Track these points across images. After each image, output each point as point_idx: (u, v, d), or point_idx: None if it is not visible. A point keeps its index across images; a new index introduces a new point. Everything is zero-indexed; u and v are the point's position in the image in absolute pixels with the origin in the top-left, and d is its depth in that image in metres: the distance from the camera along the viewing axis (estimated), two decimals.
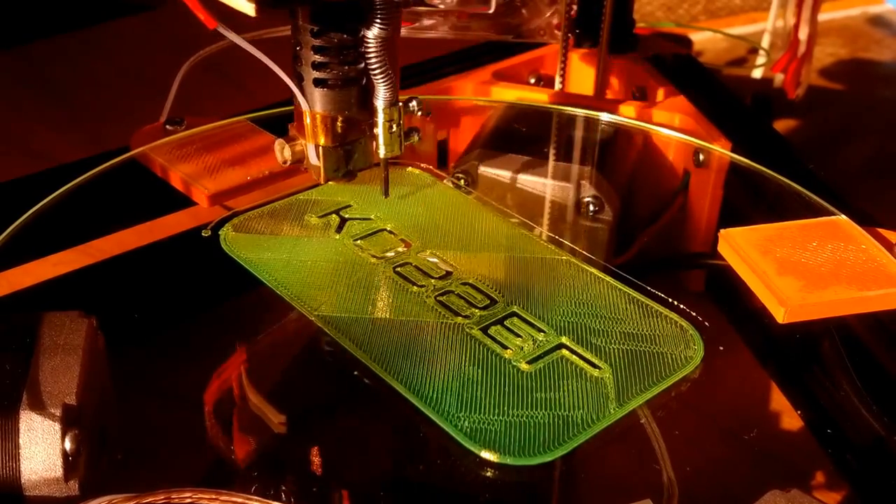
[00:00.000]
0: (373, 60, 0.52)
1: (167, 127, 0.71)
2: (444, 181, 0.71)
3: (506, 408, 0.49)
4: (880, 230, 0.60)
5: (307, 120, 0.53)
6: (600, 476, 0.53)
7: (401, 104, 0.54)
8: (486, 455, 0.46)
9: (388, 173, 0.58)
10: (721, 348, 0.54)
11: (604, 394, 0.50)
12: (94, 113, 1.13)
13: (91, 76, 1.24)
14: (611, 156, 0.74)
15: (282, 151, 0.56)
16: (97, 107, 1.15)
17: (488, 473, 0.47)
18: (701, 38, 1.44)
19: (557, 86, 0.87)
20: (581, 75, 0.89)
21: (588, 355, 0.52)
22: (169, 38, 1.33)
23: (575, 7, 0.85)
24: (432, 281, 0.58)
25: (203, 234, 0.63)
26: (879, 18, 1.61)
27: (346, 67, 0.52)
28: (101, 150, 0.71)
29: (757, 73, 1.27)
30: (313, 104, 0.53)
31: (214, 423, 0.55)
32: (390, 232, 0.63)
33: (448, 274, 0.59)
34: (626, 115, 0.79)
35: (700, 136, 0.76)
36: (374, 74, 0.52)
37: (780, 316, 0.54)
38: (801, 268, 0.56)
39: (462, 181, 0.71)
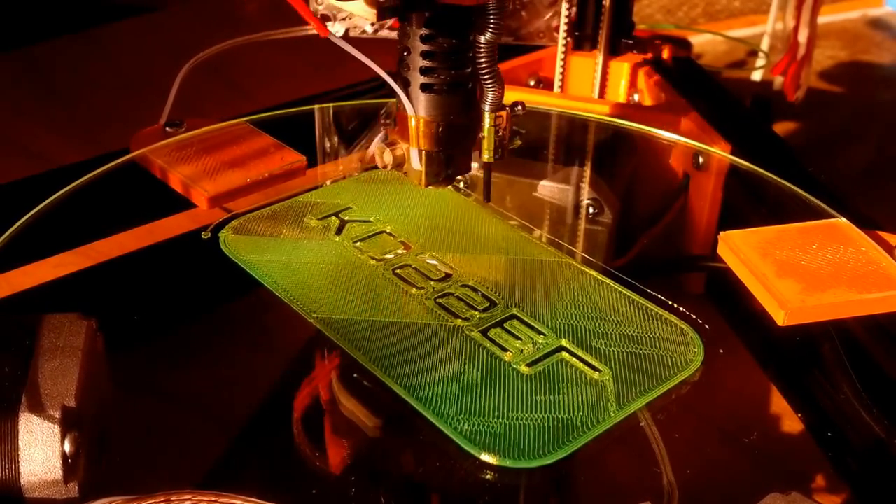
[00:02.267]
0: (483, 65, 0.52)
1: (167, 129, 0.71)
2: None
3: (505, 410, 0.49)
4: (880, 233, 0.60)
5: (411, 124, 0.54)
6: (600, 479, 0.53)
7: (507, 108, 0.54)
8: (486, 458, 0.46)
9: (489, 178, 0.58)
10: (721, 351, 0.54)
11: (604, 396, 0.50)
12: (93, 115, 1.13)
13: (91, 78, 1.24)
14: (610, 158, 0.74)
15: (382, 156, 0.56)
16: (97, 109, 1.15)
17: (488, 476, 0.47)
18: (700, 41, 1.44)
19: (557, 88, 0.87)
20: (580, 78, 0.89)
21: (588, 358, 0.52)
22: (169, 40, 1.33)
23: (574, 9, 0.86)
24: (432, 283, 0.58)
25: (203, 236, 0.63)
26: (879, 21, 1.61)
27: (454, 73, 0.52)
28: (101, 151, 0.71)
29: (756, 76, 1.27)
30: (418, 109, 0.53)
31: (212, 425, 0.55)
32: (390, 234, 0.63)
33: (447, 276, 0.59)
34: (626, 117, 0.79)
35: (699, 138, 0.76)
36: (484, 79, 0.53)
37: (780, 318, 0.54)
38: (801, 270, 0.56)
39: (462, 183, 0.71)
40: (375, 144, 0.56)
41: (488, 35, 0.51)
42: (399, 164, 0.56)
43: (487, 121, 0.54)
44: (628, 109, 0.80)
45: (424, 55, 0.52)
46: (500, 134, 0.55)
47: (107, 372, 0.51)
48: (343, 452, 0.53)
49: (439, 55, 0.52)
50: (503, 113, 0.55)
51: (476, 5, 0.51)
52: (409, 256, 0.61)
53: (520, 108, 0.56)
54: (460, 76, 0.53)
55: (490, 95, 0.54)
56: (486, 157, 0.56)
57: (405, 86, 0.54)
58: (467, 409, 0.49)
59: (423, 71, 0.52)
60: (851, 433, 0.58)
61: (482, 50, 0.52)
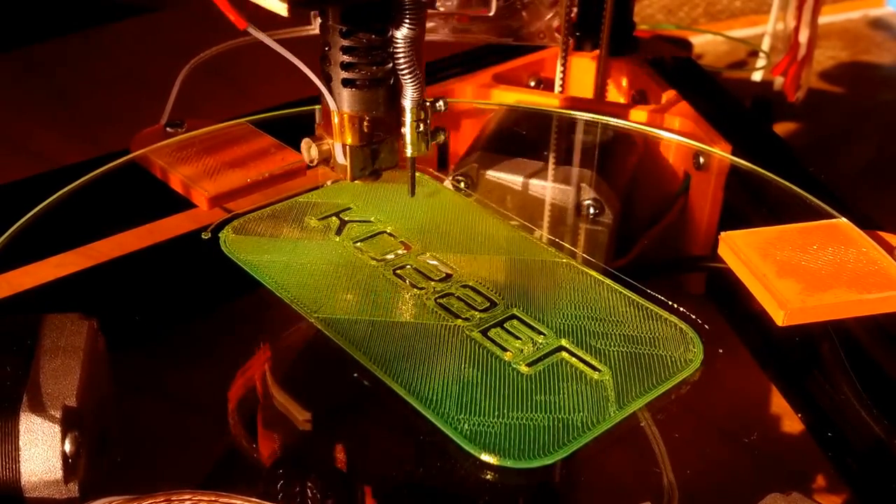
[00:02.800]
0: (401, 60, 0.52)
1: (167, 129, 0.71)
2: (445, 184, 0.71)
3: (506, 410, 0.49)
4: (880, 233, 0.60)
5: (335, 119, 0.54)
6: (600, 479, 0.53)
7: (428, 103, 0.55)
8: (486, 458, 0.46)
9: (414, 173, 0.59)
10: (721, 351, 0.54)
11: (604, 396, 0.50)
12: (94, 115, 1.13)
13: (91, 78, 1.24)
14: (611, 159, 0.74)
15: (308, 150, 0.56)
16: (98, 108, 1.15)
17: (488, 476, 0.47)
18: (701, 41, 1.44)
19: (557, 89, 0.87)
20: (581, 78, 0.89)
21: (588, 358, 0.52)
22: (169, 40, 1.33)
23: (575, 10, 0.86)
24: (432, 283, 0.58)
25: (203, 237, 0.63)
26: (880, 21, 1.61)
27: (375, 68, 0.52)
28: (102, 151, 0.71)
29: (757, 76, 1.27)
30: (341, 104, 0.53)
31: (213, 425, 0.56)
32: (390, 234, 0.63)
33: (448, 276, 0.59)
34: (627, 117, 0.79)
35: (700, 138, 0.76)
36: (402, 74, 0.53)
37: (780, 319, 0.54)
38: (802, 271, 0.56)
39: (462, 184, 0.71)
40: (304, 141, 0.56)
41: (404, 30, 0.51)
42: (325, 158, 0.56)
43: (408, 116, 0.54)
44: (629, 110, 0.80)
45: (344, 50, 0.52)
46: (421, 129, 0.55)
47: (108, 372, 0.51)
48: (343, 452, 0.53)
49: (359, 50, 0.52)
50: (425, 108, 0.55)
51: (390, 0, 0.51)
52: (410, 256, 0.61)
53: (441, 103, 0.56)
54: (381, 71, 0.53)
55: (409, 90, 0.54)
56: (409, 151, 0.56)
57: (328, 81, 0.54)
58: (467, 409, 0.49)
59: (344, 66, 0.52)
60: (851, 433, 0.58)
61: (399, 45, 0.52)
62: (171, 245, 0.72)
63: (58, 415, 0.44)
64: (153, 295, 0.67)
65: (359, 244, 0.62)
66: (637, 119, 0.79)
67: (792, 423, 0.59)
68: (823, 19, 1.18)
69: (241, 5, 0.48)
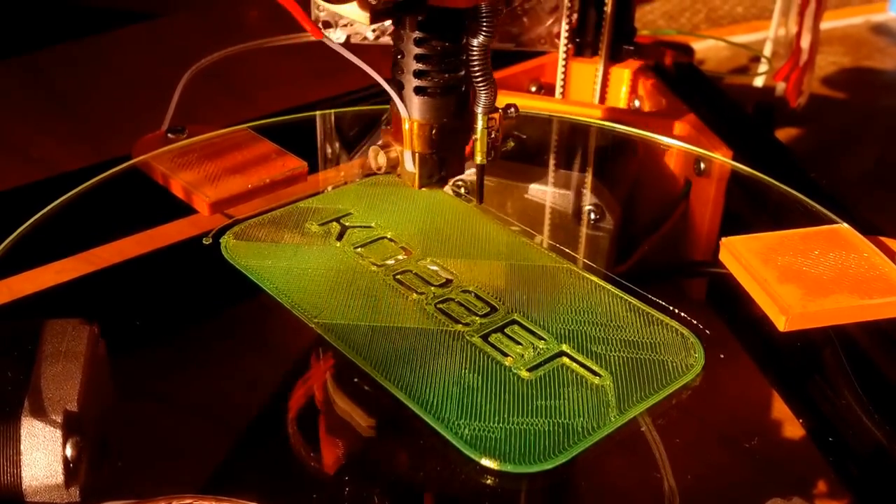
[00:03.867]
0: (476, 68, 0.53)
1: (169, 135, 0.71)
2: (445, 189, 0.71)
3: (506, 415, 0.49)
4: (882, 238, 0.60)
5: (405, 127, 0.54)
6: (601, 484, 0.53)
7: (500, 110, 0.55)
8: (487, 462, 0.46)
9: (482, 180, 0.59)
10: (722, 356, 0.54)
11: (604, 401, 0.50)
12: (96, 121, 1.13)
13: (93, 85, 1.24)
14: (611, 164, 0.74)
15: (376, 158, 0.56)
16: (99, 115, 1.15)
17: (488, 481, 0.47)
18: (703, 47, 1.44)
19: (558, 94, 0.87)
20: (582, 84, 0.89)
21: (588, 363, 0.52)
22: (171, 47, 1.33)
23: (576, 16, 0.86)
24: (432, 288, 0.58)
25: (204, 242, 0.63)
26: (882, 27, 1.61)
27: (447, 75, 0.53)
28: (103, 158, 0.71)
29: (759, 82, 1.27)
30: (412, 112, 0.54)
31: (214, 430, 0.56)
32: (391, 240, 0.63)
33: (448, 282, 0.59)
34: (627, 123, 0.79)
35: (701, 144, 0.76)
36: (477, 82, 0.53)
37: (782, 324, 0.54)
38: (803, 276, 0.56)
39: (462, 189, 0.71)
40: (372, 149, 0.57)
41: (481, 38, 0.52)
42: (393, 166, 0.56)
43: (480, 123, 0.55)
44: (629, 115, 0.81)
45: (418, 58, 0.52)
46: (493, 136, 0.55)
47: (108, 377, 0.51)
48: (343, 457, 0.53)
49: (432, 58, 0.52)
50: (496, 115, 0.55)
51: (468, 8, 0.51)
52: (410, 262, 0.61)
53: (512, 110, 0.56)
54: (453, 79, 0.53)
55: (483, 98, 0.54)
56: (478, 159, 0.56)
57: (399, 88, 0.54)
58: (468, 414, 0.49)
59: (417, 74, 0.53)
60: (852, 438, 0.58)
61: (475, 53, 0.52)
62: (173, 250, 0.72)
63: (59, 419, 0.44)
64: (154, 300, 0.67)
65: (359, 249, 0.62)
66: (638, 125, 0.79)
67: (793, 429, 0.59)
68: (825, 25, 1.18)
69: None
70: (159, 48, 1.35)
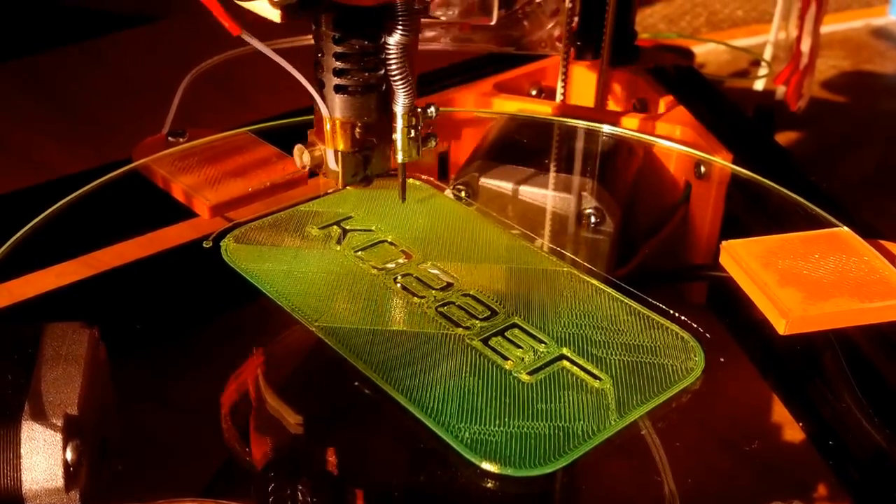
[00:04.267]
0: (393, 67, 0.52)
1: (169, 139, 0.71)
2: (445, 193, 0.71)
3: (506, 419, 0.49)
4: (882, 242, 0.60)
5: (327, 126, 0.54)
6: (601, 487, 0.53)
7: (419, 110, 0.55)
8: (487, 466, 0.46)
9: (405, 179, 0.59)
10: (722, 360, 0.54)
11: (605, 405, 0.50)
12: (96, 124, 1.13)
13: (93, 88, 1.24)
14: (612, 167, 0.74)
15: (301, 156, 0.56)
16: (99, 118, 1.15)
17: (489, 484, 0.47)
18: (703, 50, 1.44)
19: (559, 98, 0.87)
20: (582, 87, 0.89)
21: (589, 366, 0.52)
22: (171, 50, 1.33)
23: (576, 19, 0.86)
24: (433, 292, 0.58)
25: (204, 245, 0.63)
26: (882, 30, 1.61)
27: (367, 74, 0.53)
28: (104, 161, 0.71)
29: (759, 85, 1.27)
30: (333, 110, 0.54)
31: (214, 434, 0.56)
32: (391, 243, 0.63)
33: (449, 285, 0.59)
34: (628, 126, 0.79)
35: (701, 147, 0.76)
36: (394, 80, 0.53)
37: (782, 327, 0.54)
38: (803, 279, 0.56)
39: (463, 193, 0.71)
40: (297, 148, 0.57)
41: (397, 36, 0.52)
42: (317, 164, 0.56)
43: (400, 122, 0.55)
44: (630, 119, 0.80)
45: (337, 56, 0.52)
46: (412, 135, 0.55)
47: (109, 380, 0.51)
48: (343, 460, 0.53)
49: (351, 56, 0.52)
50: (416, 114, 0.55)
51: (381, 6, 0.51)
52: (411, 265, 0.61)
53: (432, 110, 0.56)
54: (373, 77, 0.53)
55: (401, 97, 0.54)
56: (400, 157, 0.56)
57: (321, 87, 0.54)
58: (468, 418, 0.49)
59: (337, 72, 0.53)
60: (853, 442, 0.58)
61: (391, 51, 0.52)
62: (173, 254, 0.72)
63: (59, 423, 0.44)
64: (154, 303, 0.67)
65: (360, 253, 0.62)
66: (638, 128, 0.79)
67: (793, 432, 0.59)
68: (825, 28, 1.18)
69: (239, 15, 0.48)
70: (160, 51, 1.35)
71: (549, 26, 0.86)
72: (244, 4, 0.48)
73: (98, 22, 1.43)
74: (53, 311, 0.66)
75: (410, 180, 0.70)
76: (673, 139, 0.78)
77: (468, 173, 0.72)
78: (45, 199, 0.63)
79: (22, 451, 0.43)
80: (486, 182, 0.71)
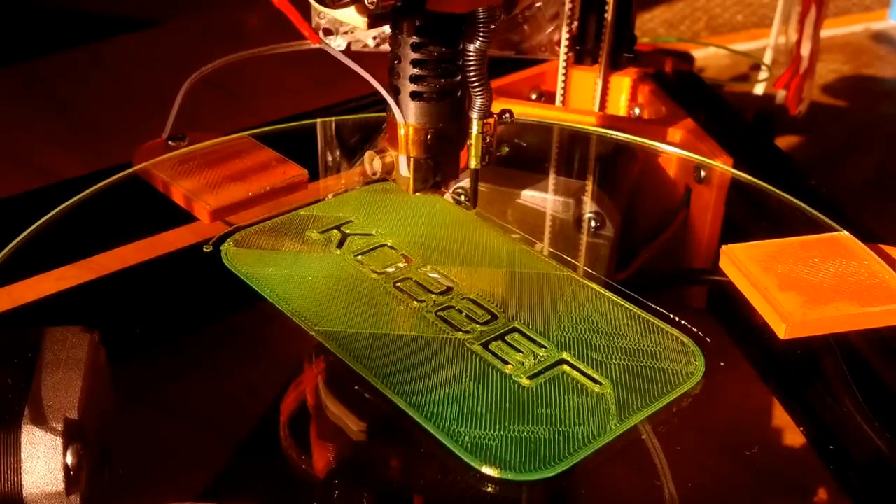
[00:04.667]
0: (472, 73, 0.53)
1: (169, 143, 0.71)
2: (445, 197, 0.71)
3: (507, 423, 0.49)
4: (882, 246, 0.60)
5: (401, 132, 0.54)
6: (601, 492, 0.53)
7: (495, 115, 0.55)
8: (487, 470, 0.46)
9: (476, 184, 0.59)
10: (722, 364, 0.54)
11: (605, 409, 0.50)
12: (96, 128, 1.13)
13: (94, 92, 1.24)
14: (612, 172, 0.74)
15: (371, 163, 0.57)
16: (100, 122, 1.15)
17: (489, 489, 0.47)
18: (703, 55, 1.44)
19: (558, 102, 0.87)
20: (582, 91, 0.89)
21: (589, 371, 0.52)
22: (171, 54, 1.33)
23: (576, 23, 0.86)
24: (433, 296, 0.58)
25: (204, 250, 0.63)
26: (882, 35, 1.61)
27: (443, 80, 0.53)
28: (104, 165, 0.71)
29: (759, 90, 1.27)
30: (408, 116, 0.54)
31: (214, 438, 0.56)
32: (391, 247, 0.63)
33: (449, 289, 0.59)
34: (627, 131, 0.79)
35: (701, 152, 0.76)
36: (472, 87, 0.54)
37: (782, 332, 0.54)
38: (803, 284, 0.56)
39: (463, 196, 0.71)
40: (367, 154, 0.57)
41: (478, 43, 0.52)
42: (388, 171, 0.57)
43: (475, 128, 0.55)
44: (630, 123, 0.81)
45: (414, 63, 0.53)
46: (488, 141, 0.56)
47: (109, 384, 0.51)
48: (343, 465, 0.53)
49: (429, 63, 0.53)
50: (490, 120, 0.55)
51: (465, 14, 0.51)
52: (411, 270, 0.61)
53: (507, 115, 0.56)
54: (449, 84, 0.53)
55: (478, 103, 0.54)
56: (473, 163, 0.56)
57: (395, 93, 0.54)
58: (468, 422, 0.49)
59: (413, 79, 0.53)
60: (853, 446, 0.58)
61: (471, 58, 0.53)
62: (173, 258, 0.72)
63: (59, 427, 0.44)
64: (154, 308, 0.67)
65: (360, 257, 0.62)
66: (638, 132, 0.79)
67: (794, 437, 0.59)
68: (825, 33, 1.18)
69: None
70: (160, 56, 1.35)
71: (549, 31, 0.86)
72: (329, 11, 0.48)
73: (98, 26, 1.43)
74: (54, 315, 0.66)
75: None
76: (673, 143, 0.78)
77: (468, 177, 0.72)
78: (46, 204, 0.63)
79: (22, 455, 0.43)
80: (487, 186, 0.71)
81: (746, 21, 1.65)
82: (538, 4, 0.86)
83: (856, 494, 0.57)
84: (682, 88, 0.91)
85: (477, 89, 0.54)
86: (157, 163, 0.68)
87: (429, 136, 0.54)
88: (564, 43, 0.86)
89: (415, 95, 0.53)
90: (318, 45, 0.52)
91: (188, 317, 0.68)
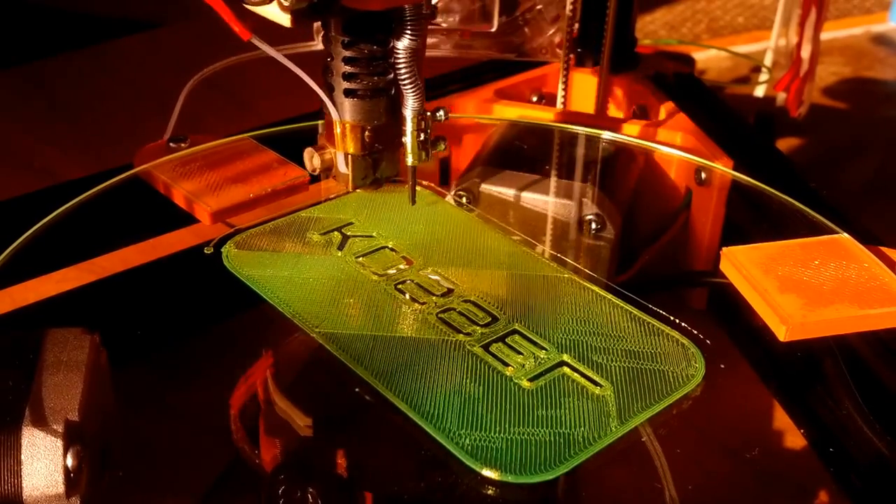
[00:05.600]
0: (402, 71, 0.53)
1: (170, 144, 0.71)
2: (446, 199, 0.71)
3: (507, 425, 0.49)
4: (882, 248, 0.60)
5: (337, 129, 0.55)
6: (602, 494, 0.53)
7: (428, 113, 0.55)
8: (488, 473, 0.46)
9: (415, 182, 0.59)
10: (723, 366, 0.54)
11: (605, 411, 0.50)
12: (97, 130, 1.13)
13: (95, 94, 1.24)
14: (612, 174, 0.74)
15: (311, 159, 0.57)
16: (101, 124, 1.15)
17: (489, 491, 0.47)
18: (704, 57, 1.44)
19: (559, 104, 0.87)
20: (583, 93, 0.89)
21: (589, 373, 0.52)
22: (173, 56, 1.33)
23: (577, 26, 0.86)
24: (434, 298, 0.58)
25: (205, 251, 0.63)
26: (883, 37, 1.61)
27: (376, 78, 0.53)
28: (105, 167, 0.71)
29: (759, 92, 1.27)
30: (343, 114, 0.54)
31: (215, 440, 0.56)
32: (392, 249, 0.63)
33: (449, 291, 0.59)
34: (628, 133, 0.79)
35: (702, 154, 0.76)
36: (403, 84, 0.54)
37: (782, 334, 0.54)
38: (803, 286, 0.56)
39: (464, 199, 0.71)
40: (307, 151, 0.57)
41: (406, 41, 0.52)
42: (327, 167, 0.57)
43: (409, 125, 0.55)
44: (630, 125, 0.81)
45: (346, 61, 0.53)
46: (422, 138, 0.56)
47: (110, 386, 0.51)
48: (344, 467, 0.53)
49: (360, 61, 0.53)
50: (425, 117, 0.56)
51: (392, 11, 0.51)
52: (411, 271, 0.61)
53: (441, 113, 0.57)
54: (382, 81, 0.54)
55: (410, 100, 0.54)
56: (409, 160, 0.56)
57: (330, 91, 0.54)
58: (469, 424, 0.49)
59: (346, 76, 0.53)
60: (854, 448, 0.58)
61: (400, 56, 0.53)
62: (174, 260, 0.72)
63: (60, 429, 0.44)
64: (155, 309, 0.67)
65: (360, 259, 0.62)
66: (639, 134, 0.79)
67: (794, 439, 0.59)
68: (826, 35, 1.18)
69: (249, 21, 0.48)
70: (161, 58, 1.35)
71: (550, 33, 0.86)
72: (253, 8, 0.48)
73: (99, 28, 1.43)
74: (54, 316, 0.66)
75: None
76: (673, 146, 0.78)
77: (469, 179, 0.72)
78: (47, 205, 0.63)
79: (23, 456, 0.43)
80: (488, 188, 0.71)
81: (747, 23, 1.65)
82: (539, 7, 0.86)
83: (856, 496, 0.57)
84: (683, 90, 0.91)
85: (409, 87, 0.54)
86: (158, 164, 0.68)
87: (366, 133, 0.55)
88: (565, 45, 0.86)
89: (349, 93, 0.54)
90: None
91: (189, 319, 0.68)
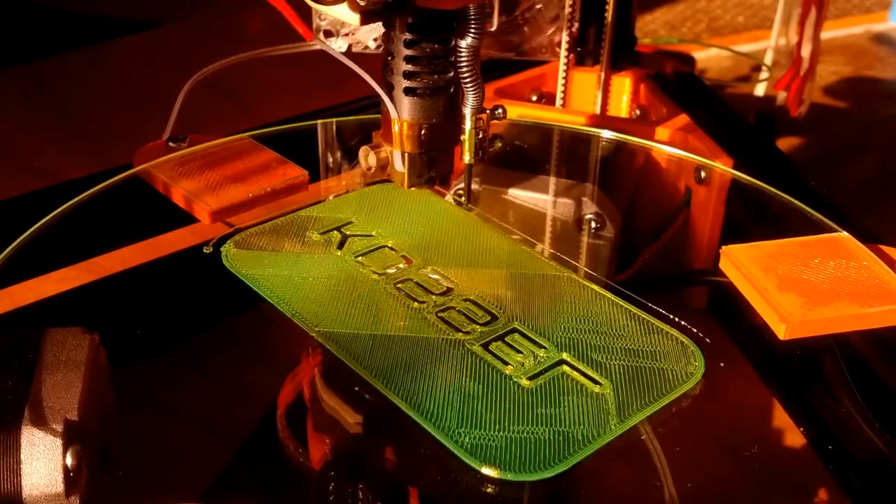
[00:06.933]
0: (464, 69, 0.54)
1: (170, 144, 0.71)
2: (446, 198, 0.71)
3: (506, 424, 0.49)
4: (882, 247, 0.60)
5: (395, 127, 0.55)
6: (601, 492, 0.53)
7: (487, 111, 0.56)
8: (487, 471, 0.46)
9: (470, 180, 0.60)
10: (722, 364, 0.54)
11: (605, 410, 0.50)
12: (97, 130, 1.13)
13: (94, 94, 1.24)
14: (612, 173, 0.74)
15: (366, 158, 0.57)
16: (100, 124, 1.15)
17: (489, 489, 0.47)
18: (704, 56, 1.44)
19: (559, 103, 0.87)
20: (582, 93, 0.89)
21: (589, 371, 0.52)
22: (172, 55, 1.33)
23: (576, 25, 0.86)
24: (433, 297, 0.58)
25: (205, 251, 0.63)
26: (883, 36, 1.61)
27: (436, 76, 0.54)
28: (104, 167, 0.71)
29: (760, 91, 1.27)
30: (402, 112, 0.54)
31: (214, 440, 0.56)
32: (391, 248, 0.63)
33: (449, 290, 0.59)
34: (628, 132, 0.79)
35: (702, 153, 0.76)
36: (465, 83, 0.54)
37: (782, 332, 0.54)
38: (803, 284, 0.56)
39: (463, 198, 0.71)
40: (362, 149, 0.57)
41: (469, 40, 0.53)
42: (383, 166, 0.57)
43: (468, 123, 0.56)
44: (630, 124, 0.81)
45: (407, 59, 0.53)
46: (480, 136, 0.56)
47: (109, 386, 0.51)
48: (343, 466, 0.53)
49: (422, 59, 0.53)
50: (483, 116, 0.56)
51: (456, 10, 0.52)
52: (411, 271, 0.61)
53: (500, 111, 0.57)
54: (442, 80, 0.54)
55: (471, 98, 0.55)
56: (467, 158, 0.57)
57: (389, 90, 0.55)
58: (468, 423, 0.49)
59: (407, 75, 0.54)
60: (853, 447, 0.58)
61: (463, 54, 0.53)
62: (173, 259, 0.72)
63: (59, 428, 0.44)
64: (155, 309, 0.67)
65: (360, 258, 0.62)
66: (638, 133, 0.79)
67: (794, 437, 0.59)
68: (826, 34, 1.18)
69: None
70: (161, 57, 1.35)
71: (550, 32, 0.87)
72: (322, 8, 0.49)
73: (99, 28, 1.43)
74: (54, 316, 0.66)
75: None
76: (673, 144, 0.78)
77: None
78: (46, 205, 0.63)
79: (22, 456, 0.43)
80: (487, 187, 0.71)
81: (747, 22, 1.65)
82: (538, 6, 0.86)
83: (856, 495, 0.57)
84: (683, 89, 0.91)
85: (469, 85, 0.54)
86: (157, 164, 0.68)
87: (423, 132, 0.55)
88: (565, 44, 0.86)
89: (408, 91, 0.54)
90: (317, 46, 0.52)
91: (188, 318, 0.68)
